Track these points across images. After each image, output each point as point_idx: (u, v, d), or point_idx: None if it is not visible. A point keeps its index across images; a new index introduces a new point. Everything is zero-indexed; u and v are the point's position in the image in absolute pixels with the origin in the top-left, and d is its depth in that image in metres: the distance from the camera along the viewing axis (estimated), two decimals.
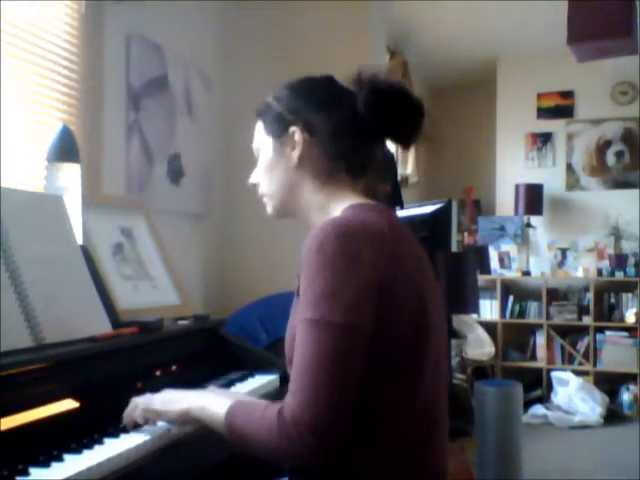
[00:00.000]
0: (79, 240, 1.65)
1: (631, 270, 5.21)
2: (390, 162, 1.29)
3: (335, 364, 1.02)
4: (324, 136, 1.23)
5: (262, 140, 1.31)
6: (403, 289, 1.10)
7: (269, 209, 1.32)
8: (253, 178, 1.34)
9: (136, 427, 1.27)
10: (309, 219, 1.26)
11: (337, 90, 1.27)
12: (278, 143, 1.27)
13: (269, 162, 1.29)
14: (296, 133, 1.24)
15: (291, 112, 1.25)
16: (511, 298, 5.54)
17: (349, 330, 1.04)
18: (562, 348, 5.37)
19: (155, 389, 1.33)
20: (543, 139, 5.83)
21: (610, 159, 5.64)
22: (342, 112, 1.22)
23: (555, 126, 5.79)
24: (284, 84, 1.31)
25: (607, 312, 5.29)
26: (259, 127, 1.32)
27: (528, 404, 4.79)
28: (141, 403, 1.27)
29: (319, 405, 1.00)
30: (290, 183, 1.26)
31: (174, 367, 1.66)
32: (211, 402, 1.18)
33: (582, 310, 5.33)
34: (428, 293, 1.15)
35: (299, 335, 1.06)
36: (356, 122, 1.21)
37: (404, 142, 1.27)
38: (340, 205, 1.21)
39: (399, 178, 4.88)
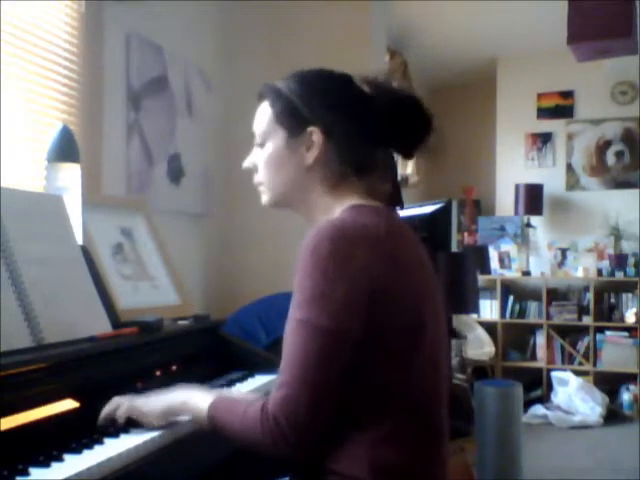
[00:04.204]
0: (79, 240, 1.65)
1: (631, 270, 5.21)
2: (390, 162, 1.29)
3: (319, 364, 1.05)
4: (340, 140, 1.19)
5: (270, 128, 1.24)
6: (399, 291, 1.10)
7: (265, 199, 1.28)
8: (248, 162, 1.29)
9: (111, 426, 1.25)
10: (312, 218, 1.24)
11: (355, 92, 1.23)
12: (292, 139, 1.21)
13: (278, 156, 1.23)
14: (315, 134, 1.19)
15: (309, 109, 1.20)
16: (511, 298, 5.54)
17: (335, 333, 1.05)
18: (562, 348, 5.37)
19: (155, 389, 1.33)
20: (543, 139, 5.83)
21: (610, 159, 5.64)
22: (359, 116, 1.20)
23: (555, 126, 5.79)
24: (296, 74, 1.25)
25: (607, 312, 5.29)
26: (265, 112, 1.25)
27: (528, 404, 4.79)
28: (125, 402, 1.27)
29: (299, 401, 1.03)
30: (298, 182, 1.23)
31: (174, 367, 1.66)
32: (192, 397, 1.20)
33: (582, 310, 5.33)
34: (427, 294, 1.15)
35: (287, 332, 1.08)
36: (370, 127, 1.19)
37: (408, 152, 1.26)
38: (344, 207, 1.19)
39: (399, 178, 4.87)
